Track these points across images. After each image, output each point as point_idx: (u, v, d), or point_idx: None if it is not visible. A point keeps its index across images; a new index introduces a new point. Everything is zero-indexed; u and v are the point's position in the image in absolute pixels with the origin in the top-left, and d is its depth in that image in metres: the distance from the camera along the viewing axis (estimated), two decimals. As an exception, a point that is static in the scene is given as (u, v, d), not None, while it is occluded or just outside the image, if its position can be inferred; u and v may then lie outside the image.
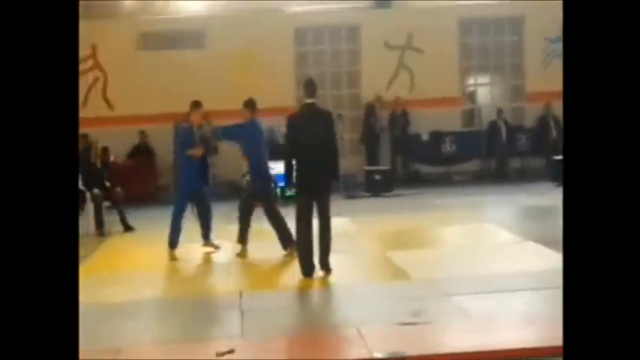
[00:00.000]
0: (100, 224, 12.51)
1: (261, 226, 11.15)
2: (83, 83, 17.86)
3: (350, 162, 17.32)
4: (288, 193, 15.43)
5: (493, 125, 18.42)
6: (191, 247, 10.58)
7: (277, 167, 15.54)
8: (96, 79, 18.09)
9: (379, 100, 18.20)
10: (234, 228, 11.20)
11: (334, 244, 8.70)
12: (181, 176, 10.28)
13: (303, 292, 8.18)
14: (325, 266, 8.57)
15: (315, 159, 8.41)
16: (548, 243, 9.21)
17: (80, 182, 13.11)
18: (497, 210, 13.40)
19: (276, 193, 9.89)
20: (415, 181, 17.80)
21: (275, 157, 15.80)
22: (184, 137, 10.07)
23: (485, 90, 19.85)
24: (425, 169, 18.71)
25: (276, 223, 9.76)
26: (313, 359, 5.82)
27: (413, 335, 6.28)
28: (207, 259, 10.22)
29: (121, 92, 17.88)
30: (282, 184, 15.55)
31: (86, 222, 12.74)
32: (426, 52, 18.41)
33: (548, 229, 10.16)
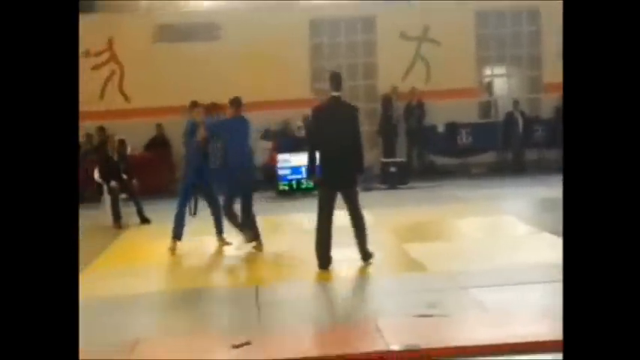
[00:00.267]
0: (117, 216, 12.56)
1: (278, 218, 11.18)
2: (100, 76, 17.96)
3: (366, 154, 17.25)
4: (305, 185, 15.49)
5: (510, 116, 18.33)
6: (207, 240, 10.61)
7: (293, 159, 15.65)
8: (112, 72, 18.15)
9: (395, 91, 18.15)
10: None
11: (350, 237, 8.70)
12: (186, 169, 10.34)
13: (318, 284, 8.17)
14: (366, 256, 8.60)
15: (340, 152, 8.44)
16: (565, 235, 9.16)
17: (97, 175, 13.19)
18: (514, 202, 13.34)
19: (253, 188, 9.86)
20: (431, 173, 17.74)
21: (290, 150, 15.89)
22: (190, 130, 10.11)
23: (501, 81, 19.74)
24: (441, 160, 18.65)
25: (246, 217, 9.78)
26: (329, 352, 5.82)
27: (429, 328, 6.27)
28: (221, 251, 10.24)
29: (137, 85, 17.92)
30: (299, 176, 15.60)
31: (103, 214, 12.81)
32: (442, 44, 18.33)
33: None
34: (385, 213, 12.26)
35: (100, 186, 13.17)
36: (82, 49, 16.91)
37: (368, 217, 8.79)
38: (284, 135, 17.32)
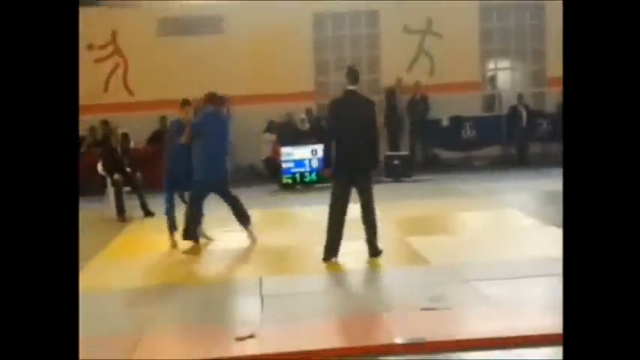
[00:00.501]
0: (120, 209, 12.58)
1: (282, 211, 11.15)
2: (103, 69, 17.97)
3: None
4: (308, 178, 15.50)
5: (513, 110, 18.30)
6: (212, 235, 10.62)
7: (296, 152, 15.65)
8: (116, 66, 18.15)
9: (399, 84, 18.13)
10: (255, 213, 11.24)
11: (354, 230, 8.70)
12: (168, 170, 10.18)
13: (322, 277, 8.17)
14: (375, 252, 8.61)
15: (356, 145, 8.48)
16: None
17: (101, 168, 13.21)
18: (517, 195, 13.33)
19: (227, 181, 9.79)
20: (435, 167, 17.74)
21: (293, 143, 15.90)
22: (177, 129, 10.04)
23: (505, 75, 19.71)
24: (445, 154, 18.65)
25: (232, 204, 9.83)
26: (333, 345, 5.82)
27: (433, 321, 6.27)
28: (228, 245, 10.24)
29: (141, 78, 17.93)
30: (302, 169, 15.61)
31: (107, 207, 12.83)
32: (445, 37, 18.30)
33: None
34: (389, 206, 12.24)
35: (103, 179, 13.18)
36: (85, 42, 16.95)
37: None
38: (287, 128, 17.31)
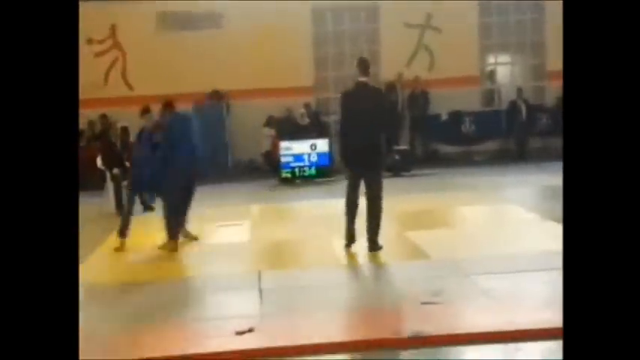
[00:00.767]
0: (119, 204, 12.56)
1: (281, 206, 11.12)
2: (103, 64, 17.95)
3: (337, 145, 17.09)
4: (307, 172, 15.50)
5: (513, 105, 18.29)
6: (210, 228, 10.62)
7: (295, 147, 15.65)
8: (115, 60, 18.13)
9: (400, 79, 18.11)
10: (254, 207, 11.27)
11: (358, 226, 8.72)
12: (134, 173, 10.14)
13: (322, 271, 8.17)
14: (374, 247, 8.64)
15: (366, 136, 8.52)
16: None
17: (100, 162, 13.19)
18: (517, 190, 13.34)
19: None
20: (434, 161, 17.74)
21: (293, 138, 15.90)
22: (141, 139, 9.99)
23: (505, 69, 19.70)
24: (444, 148, 18.65)
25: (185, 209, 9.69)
26: (334, 339, 5.82)
27: (434, 315, 6.27)
28: (226, 240, 10.24)
29: (140, 72, 17.92)
30: (301, 163, 15.61)
31: (106, 201, 12.82)
32: (445, 32, 18.28)
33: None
34: (388, 201, 12.21)
35: (102, 173, 13.17)
36: (85, 36, 16.92)
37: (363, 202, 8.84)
38: (287, 122, 17.31)
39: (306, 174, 15.63)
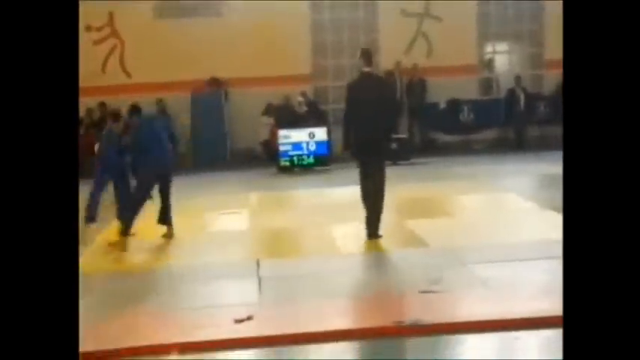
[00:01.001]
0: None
1: (280, 195, 11.08)
2: (101, 52, 17.89)
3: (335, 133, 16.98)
4: (306, 161, 15.51)
5: (511, 93, 18.28)
6: (208, 217, 10.63)
7: (294, 135, 15.65)
8: (114, 47, 18.08)
9: (398, 67, 18.07)
10: (253, 196, 11.25)
11: (352, 211, 8.73)
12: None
13: (321, 260, 8.18)
14: (374, 234, 8.68)
15: (372, 126, 8.59)
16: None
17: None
18: (515, 178, 13.35)
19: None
20: (432, 150, 17.74)
21: (291, 126, 15.89)
22: (108, 140, 9.99)
23: (503, 57, 19.67)
24: (442, 137, 18.64)
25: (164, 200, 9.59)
26: (332, 327, 5.84)
27: (432, 303, 6.29)
28: (225, 228, 10.26)
29: (138, 60, 17.87)
30: (300, 151, 15.61)
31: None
32: (443, 20, 18.24)
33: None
34: (387, 189, 12.24)
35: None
36: (83, 23, 16.85)
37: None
38: (285, 111, 17.28)
39: (305, 162, 15.63)
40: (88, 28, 17.48)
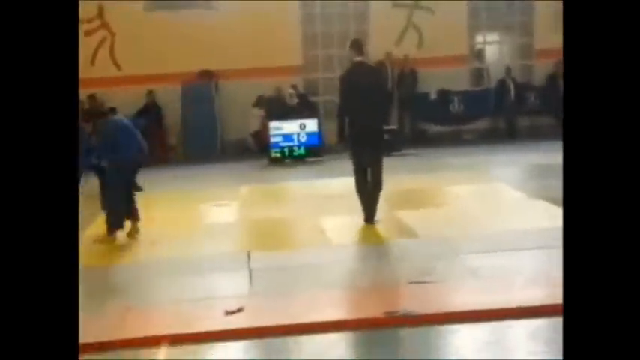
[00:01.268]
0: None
1: (270, 186, 11.06)
2: (91, 43, 17.81)
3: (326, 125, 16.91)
4: (296, 152, 15.51)
5: (501, 83, 18.30)
6: (199, 209, 10.62)
7: (285, 127, 15.64)
8: (103, 39, 18.01)
9: (390, 57, 18.04)
10: (243, 188, 11.22)
11: (343, 203, 8.74)
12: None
13: (312, 251, 8.19)
14: (370, 219, 8.81)
15: (366, 115, 8.64)
16: (557, 201, 9.18)
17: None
18: (506, 169, 13.38)
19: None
20: (423, 141, 17.74)
21: (282, 117, 15.88)
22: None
23: (494, 48, 19.69)
24: (433, 128, 18.65)
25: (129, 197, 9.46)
26: (325, 317, 5.84)
27: (423, 293, 6.31)
28: (215, 220, 10.25)
29: (129, 52, 17.80)
30: (291, 143, 15.61)
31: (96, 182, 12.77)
32: (434, 11, 18.22)
33: (557, 187, 10.11)
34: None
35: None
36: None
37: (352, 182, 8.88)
38: (276, 102, 17.26)
39: (296, 154, 15.63)
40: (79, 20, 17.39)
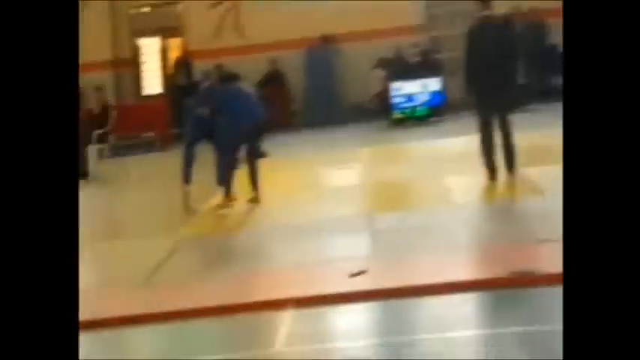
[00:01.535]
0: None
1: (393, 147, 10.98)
2: (215, 15, 18.17)
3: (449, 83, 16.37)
4: (419, 112, 15.35)
5: None
6: (321, 172, 10.68)
7: (407, 87, 15.45)
8: (229, 9, 18.32)
9: (517, 9, 17.28)
10: (365, 150, 11.20)
11: (466, 162, 8.60)
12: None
13: (435, 212, 8.09)
14: (511, 167, 8.69)
15: (493, 72, 8.48)
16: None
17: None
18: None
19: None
20: (552, 95, 17.09)
21: (405, 78, 15.69)
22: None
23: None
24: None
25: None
26: (448, 278, 5.78)
27: (551, 253, 6.13)
28: (338, 183, 10.29)
29: (252, 20, 18.03)
30: (413, 103, 15.46)
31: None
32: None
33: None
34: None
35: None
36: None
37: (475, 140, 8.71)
38: (397, 63, 17.08)
39: (418, 114, 15.46)
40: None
